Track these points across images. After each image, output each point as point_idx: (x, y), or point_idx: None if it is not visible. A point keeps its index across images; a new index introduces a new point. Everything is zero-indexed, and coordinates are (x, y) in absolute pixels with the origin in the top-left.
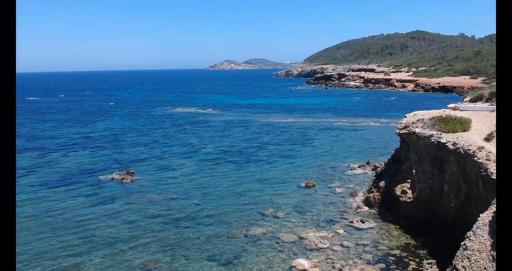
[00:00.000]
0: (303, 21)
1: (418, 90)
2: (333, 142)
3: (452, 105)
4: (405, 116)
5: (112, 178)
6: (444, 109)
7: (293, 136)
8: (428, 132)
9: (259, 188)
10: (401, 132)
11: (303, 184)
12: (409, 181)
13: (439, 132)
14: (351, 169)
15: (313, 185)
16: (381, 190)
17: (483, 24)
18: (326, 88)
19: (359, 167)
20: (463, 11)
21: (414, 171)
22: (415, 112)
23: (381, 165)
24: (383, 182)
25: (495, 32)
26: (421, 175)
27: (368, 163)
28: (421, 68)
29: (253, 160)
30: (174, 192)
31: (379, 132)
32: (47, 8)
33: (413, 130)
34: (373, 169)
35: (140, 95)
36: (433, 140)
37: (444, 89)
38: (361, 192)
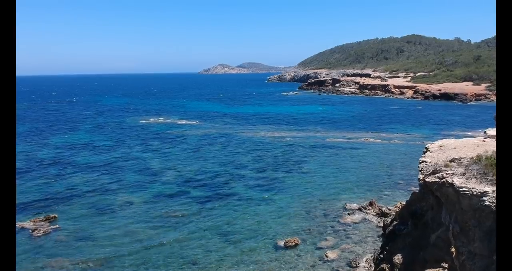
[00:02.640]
0: (298, 24)
1: (417, 98)
2: (325, 166)
3: (493, 131)
4: (427, 149)
5: (23, 227)
6: (482, 138)
7: (277, 157)
8: (476, 187)
9: (218, 251)
10: (428, 180)
11: (282, 243)
12: (444, 265)
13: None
14: (348, 214)
15: (296, 245)
16: (396, 269)
17: (478, 28)
18: (319, 94)
19: (359, 209)
20: (458, 15)
21: (453, 249)
22: (440, 142)
23: (389, 210)
24: (399, 255)
25: (491, 37)
26: (467, 259)
27: (371, 204)
28: (419, 73)
29: (221, 196)
30: (97, 255)
31: (381, 152)
32: (44, 11)
33: (450, 180)
34: (378, 214)
35: (122, 102)
36: (488, 203)
37: (446, 96)
38: (364, 260)
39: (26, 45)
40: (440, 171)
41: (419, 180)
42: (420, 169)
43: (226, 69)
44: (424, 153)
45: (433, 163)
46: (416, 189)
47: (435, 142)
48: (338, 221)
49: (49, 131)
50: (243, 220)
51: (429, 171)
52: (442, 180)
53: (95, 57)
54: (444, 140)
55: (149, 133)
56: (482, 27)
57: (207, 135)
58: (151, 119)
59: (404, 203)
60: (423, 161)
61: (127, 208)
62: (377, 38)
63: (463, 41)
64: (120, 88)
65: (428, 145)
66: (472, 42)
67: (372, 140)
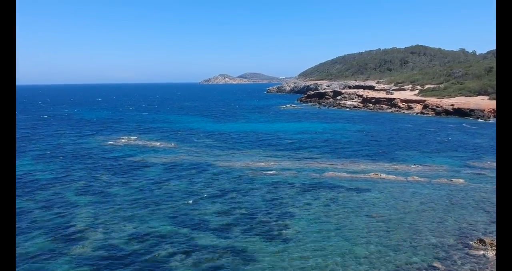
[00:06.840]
0: (299, 35)
1: (427, 113)
2: (319, 225)
3: None
4: None
5: None
6: None
7: (255, 204)
8: None
9: None
10: None
11: None
12: None
13: None
14: None
15: None
16: None
17: (482, 39)
18: (319, 108)
19: None
20: (462, 26)
21: None
22: None
23: None
24: None
25: (495, 48)
26: None
27: None
28: (427, 86)
29: None
30: None
31: (397, 198)
32: (43, 18)
33: None
34: None
35: (104, 116)
36: None
37: (460, 112)
38: None
39: (23, 54)
40: None
41: None
42: None
43: (227, 79)
44: None
45: None
46: None
47: None
48: None
49: None
50: None
51: None
52: None
53: (94, 66)
54: None
55: (106, 161)
56: (486, 38)
57: (176, 164)
58: (122, 140)
59: None
60: None
61: None
62: (379, 49)
63: (468, 52)
64: (113, 99)
65: None
66: (477, 53)
67: (384, 175)
